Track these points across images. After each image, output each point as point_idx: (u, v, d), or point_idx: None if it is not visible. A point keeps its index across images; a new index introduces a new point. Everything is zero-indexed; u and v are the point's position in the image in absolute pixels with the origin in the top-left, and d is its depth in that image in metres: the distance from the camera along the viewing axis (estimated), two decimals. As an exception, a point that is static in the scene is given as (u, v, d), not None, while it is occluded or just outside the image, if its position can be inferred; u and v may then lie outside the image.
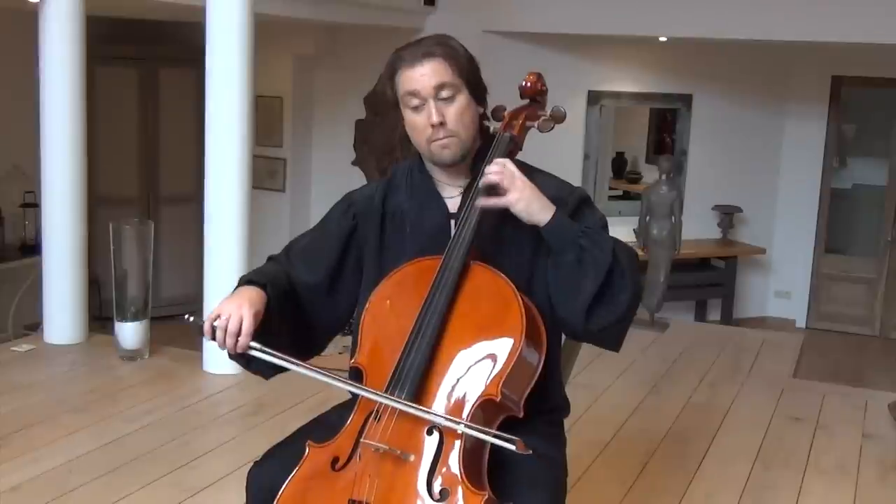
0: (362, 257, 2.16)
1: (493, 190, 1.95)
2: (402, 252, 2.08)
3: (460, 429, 1.81)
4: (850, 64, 7.52)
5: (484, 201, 1.95)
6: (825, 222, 8.03)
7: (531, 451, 1.77)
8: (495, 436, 1.80)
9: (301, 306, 2.12)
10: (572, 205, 2.05)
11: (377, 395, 1.87)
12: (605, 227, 2.08)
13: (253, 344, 1.91)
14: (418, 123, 2.00)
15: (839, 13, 5.81)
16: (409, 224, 2.11)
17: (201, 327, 1.94)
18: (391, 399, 1.85)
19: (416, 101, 1.99)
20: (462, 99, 2.00)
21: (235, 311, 1.92)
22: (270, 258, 2.21)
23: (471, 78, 2.01)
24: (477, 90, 2.04)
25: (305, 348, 2.15)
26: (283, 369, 2.00)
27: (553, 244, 1.96)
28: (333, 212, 2.21)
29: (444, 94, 1.97)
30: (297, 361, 1.93)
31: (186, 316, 2.01)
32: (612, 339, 2.03)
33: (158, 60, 7.27)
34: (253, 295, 1.98)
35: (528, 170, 2.12)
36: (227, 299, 1.97)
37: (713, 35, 6.35)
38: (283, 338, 2.04)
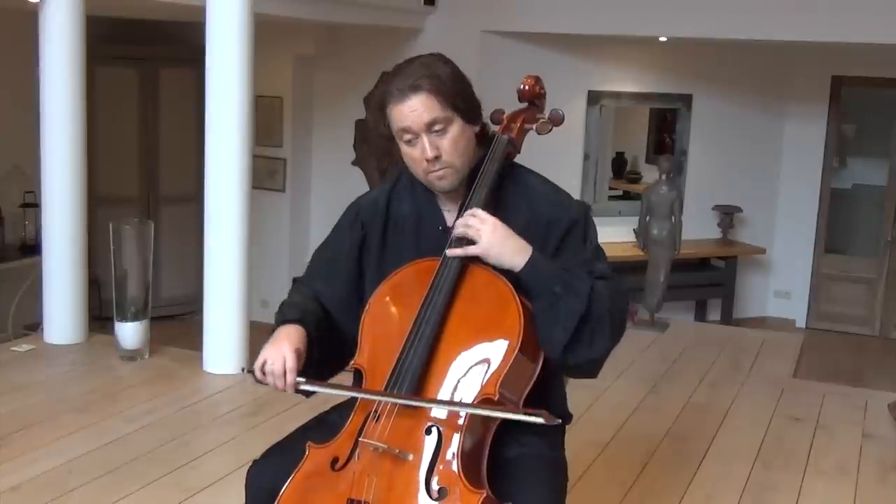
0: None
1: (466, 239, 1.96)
2: (401, 257, 2.09)
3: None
4: (850, 64, 7.52)
5: (452, 251, 1.96)
6: (825, 222, 8.03)
7: (559, 421, 1.79)
8: (522, 412, 1.81)
9: (335, 322, 2.16)
10: (565, 227, 2.04)
11: (413, 399, 1.88)
12: (597, 251, 2.05)
13: (300, 379, 1.96)
14: (414, 156, 2.00)
15: (839, 13, 5.81)
16: (408, 230, 2.12)
17: (254, 376, 2.01)
18: (416, 399, 1.87)
19: (408, 136, 1.98)
20: (454, 129, 1.98)
21: (277, 354, 1.97)
22: (295, 280, 2.26)
23: (460, 104, 1.98)
24: (469, 113, 2.01)
25: (345, 361, 2.20)
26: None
27: (529, 287, 1.95)
28: (343, 223, 2.22)
29: (437, 127, 1.96)
30: (343, 390, 2.01)
31: (242, 368, 2.06)
32: (586, 373, 2.02)
33: (158, 60, 7.27)
34: (291, 333, 2.02)
35: (525, 173, 2.12)
36: (268, 344, 2.02)
37: (713, 35, 6.34)
38: (327, 360, 2.10)
